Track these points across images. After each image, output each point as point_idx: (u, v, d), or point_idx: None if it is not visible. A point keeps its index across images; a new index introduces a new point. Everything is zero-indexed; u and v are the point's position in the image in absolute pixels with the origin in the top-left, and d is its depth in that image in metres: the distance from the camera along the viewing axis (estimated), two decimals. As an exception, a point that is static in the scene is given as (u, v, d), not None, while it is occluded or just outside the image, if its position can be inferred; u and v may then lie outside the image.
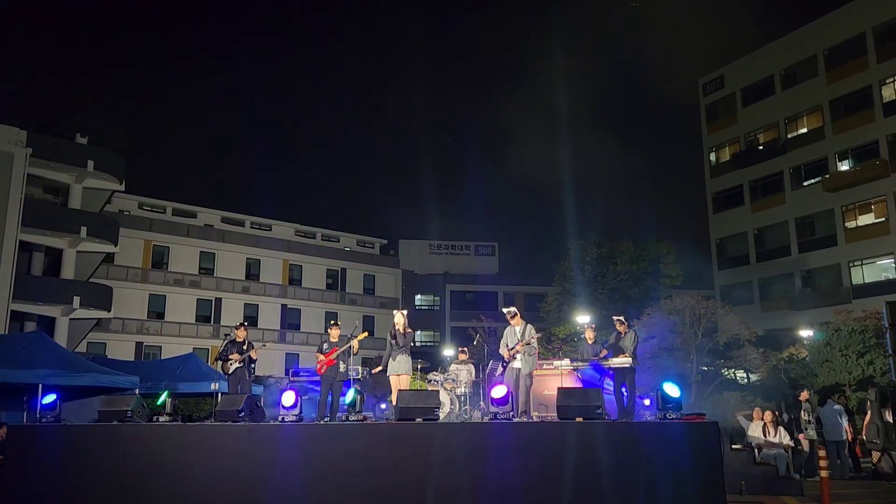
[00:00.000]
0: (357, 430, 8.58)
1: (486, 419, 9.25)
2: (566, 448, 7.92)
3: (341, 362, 10.51)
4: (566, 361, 11.64)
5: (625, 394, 10.05)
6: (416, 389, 10.41)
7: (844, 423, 13.38)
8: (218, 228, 42.99)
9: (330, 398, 10.24)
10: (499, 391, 8.70)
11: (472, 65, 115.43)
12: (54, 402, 9.80)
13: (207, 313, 39.77)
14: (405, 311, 10.73)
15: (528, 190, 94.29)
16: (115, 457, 8.72)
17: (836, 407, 13.58)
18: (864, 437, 12.74)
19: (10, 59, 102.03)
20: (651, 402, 10.53)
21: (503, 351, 10.17)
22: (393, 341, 10.28)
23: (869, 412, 12.72)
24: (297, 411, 9.14)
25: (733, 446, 11.63)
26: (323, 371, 10.38)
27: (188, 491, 8.40)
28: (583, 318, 24.22)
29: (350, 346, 10.45)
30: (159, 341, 37.14)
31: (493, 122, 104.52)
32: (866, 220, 33.51)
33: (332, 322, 11.47)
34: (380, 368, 10.44)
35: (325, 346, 10.53)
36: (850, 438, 13.70)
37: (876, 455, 12.44)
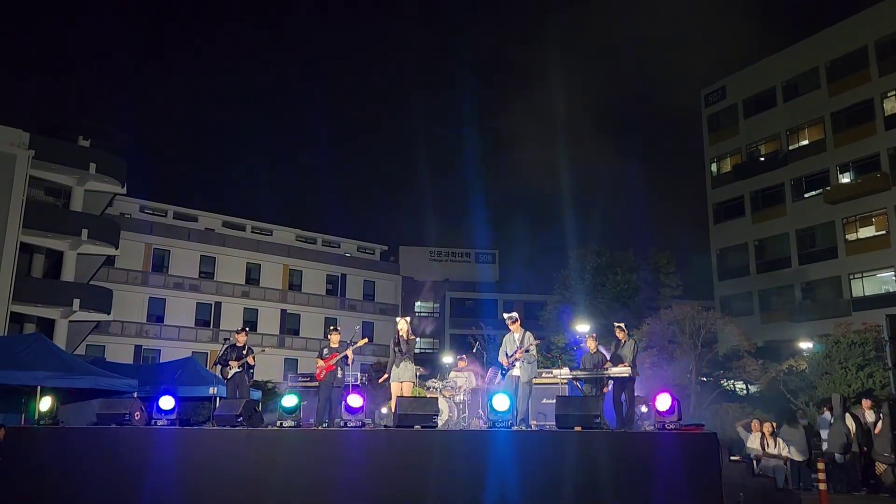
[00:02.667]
0: (355, 436, 8.56)
1: (484, 427, 9.23)
2: (564, 457, 7.91)
3: (339, 368, 10.49)
4: (565, 370, 11.64)
5: (624, 403, 10.05)
6: (415, 396, 10.38)
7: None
8: (219, 232, 43.03)
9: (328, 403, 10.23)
10: (501, 402, 8.62)
11: (473, 72, 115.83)
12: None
13: (207, 317, 39.77)
14: (409, 318, 10.61)
15: (529, 198, 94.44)
16: (112, 460, 8.70)
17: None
18: (875, 449, 12.61)
19: (13, 60, 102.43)
20: (649, 410, 10.52)
21: (502, 358, 10.11)
22: (396, 348, 10.19)
23: (881, 424, 12.64)
24: (297, 415, 9.12)
25: (732, 457, 11.56)
26: (322, 377, 10.38)
27: (185, 495, 8.38)
28: (582, 328, 24.17)
29: (346, 356, 10.41)
30: (158, 345, 37.13)
31: (494, 129, 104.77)
32: (867, 232, 33.53)
33: (331, 328, 11.39)
34: (386, 377, 10.35)
35: (326, 351, 10.53)
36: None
37: (881, 467, 12.35)
